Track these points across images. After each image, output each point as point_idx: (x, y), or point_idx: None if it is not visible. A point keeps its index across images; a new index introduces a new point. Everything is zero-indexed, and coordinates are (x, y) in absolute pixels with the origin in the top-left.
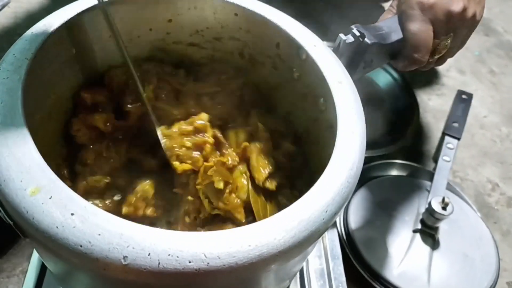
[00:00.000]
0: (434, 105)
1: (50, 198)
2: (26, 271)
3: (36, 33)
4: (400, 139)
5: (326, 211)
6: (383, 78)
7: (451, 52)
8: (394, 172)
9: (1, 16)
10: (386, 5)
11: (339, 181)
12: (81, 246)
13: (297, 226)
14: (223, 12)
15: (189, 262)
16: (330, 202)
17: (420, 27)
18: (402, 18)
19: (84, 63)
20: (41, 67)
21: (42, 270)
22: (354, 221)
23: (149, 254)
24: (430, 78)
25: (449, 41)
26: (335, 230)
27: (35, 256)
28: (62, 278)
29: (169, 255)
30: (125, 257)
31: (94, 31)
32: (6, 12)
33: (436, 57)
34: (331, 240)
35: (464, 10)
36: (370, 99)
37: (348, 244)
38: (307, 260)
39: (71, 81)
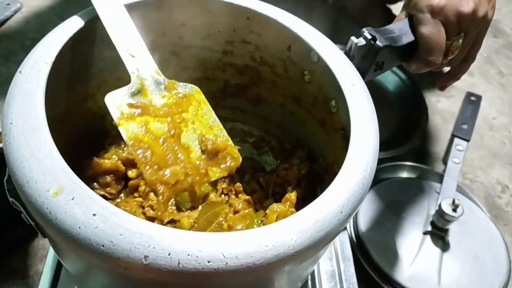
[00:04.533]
0: (442, 107)
1: (72, 199)
2: (41, 273)
3: (55, 38)
4: (409, 141)
5: (341, 212)
6: (391, 80)
7: (470, 55)
8: (404, 174)
9: (13, 21)
10: (393, 8)
11: (354, 183)
12: (103, 246)
13: (313, 227)
14: (235, 15)
15: (208, 262)
16: (345, 203)
17: (432, 30)
18: (413, 22)
19: (100, 66)
20: (59, 71)
21: (57, 271)
22: (364, 223)
23: (169, 254)
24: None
25: (460, 41)
26: (345, 232)
27: (50, 257)
28: (80, 278)
29: (188, 255)
30: (146, 257)
31: (108, 36)
32: (17, 18)
33: (449, 58)
34: (341, 242)
35: (475, 10)
36: (379, 101)
37: (358, 246)
38: (318, 261)
39: (85, 85)
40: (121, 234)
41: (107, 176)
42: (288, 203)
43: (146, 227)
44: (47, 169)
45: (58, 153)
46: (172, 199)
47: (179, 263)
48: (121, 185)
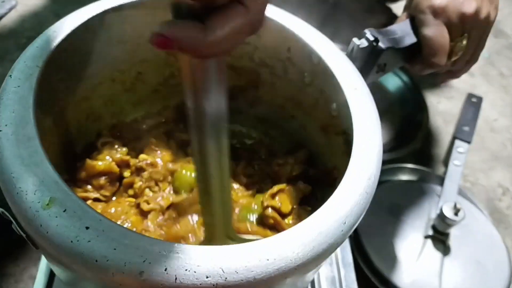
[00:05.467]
0: (443, 108)
1: (64, 211)
2: (35, 277)
3: (47, 40)
4: (410, 143)
5: (345, 222)
6: (392, 81)
7: (472, 56)
8: (404, 177)
9: (8, 19)
10: (393, 7)
11: (357, 192)
12: (96, 261)
13: (316, 239)
14: None
15: (207, 277)
16: (349, 214)
17: (435, 32)
18: (415, 23)
19: (94, 67)
20: (51, 74)
21: (51, 277)
22: (364, 226)
23: (165, 269)
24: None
25: (464, 42)
26: None
27: (44, 261)
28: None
29: (186, 270)
30: (141, 273)
31: (103, 36)
32: (12, 15)
33: (453, 59)
34: (342, 247)
35: (477, 10)
36: (379, 103)
37: (358, 250)
38: None
39: (79, 87)
40: (115, 249)
41: (101, 178)
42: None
43: (141, 241)
44: (38, 180)
45: (50, 163)
46: (169, 187)
47: (176, 278)
48: (115, 187)
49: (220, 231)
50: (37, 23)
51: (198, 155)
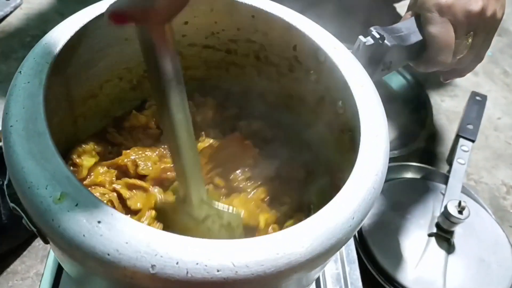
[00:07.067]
0: (447, 107)
1: (76, 205)
2: (42, 274)
3: (56, 37)
4: (414, 141)
5: (353, 218)
6: (395, 79)
7: (478, 55)
8: (408, 175)
9: (13, 18)
10: (397, 6)
11: (365, 188)
12: (108, 254)
13: (325, 234)
14: (240, 14)
15: (218, 271)
16: (357, 209)
17: (440, 30)
18: (421, 21)
19: (102, 65)
20: (60, 70)
21: (58, 273)
22: (368, 224)
23: (177, 263)
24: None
25: (470, 40)
26: None
27: (51, 258)
28: (81, 283)
29: (197, 264)
30: (153, 266)
31: (110, 34)
32: (17, 14)
33: (458, 57)
34: (347, 245)
35: (484, 9)
36: (383, 101)
37: (362, 248)
38: None
39: (86, 84)
40: (127, 242)
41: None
42: None
43: (153, 234)
44: (50, 175)
45: (61, 158)
46: None
47: (187, 272)
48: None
49: (193, 193)
50: (41, 21)
51: (165, 118)
